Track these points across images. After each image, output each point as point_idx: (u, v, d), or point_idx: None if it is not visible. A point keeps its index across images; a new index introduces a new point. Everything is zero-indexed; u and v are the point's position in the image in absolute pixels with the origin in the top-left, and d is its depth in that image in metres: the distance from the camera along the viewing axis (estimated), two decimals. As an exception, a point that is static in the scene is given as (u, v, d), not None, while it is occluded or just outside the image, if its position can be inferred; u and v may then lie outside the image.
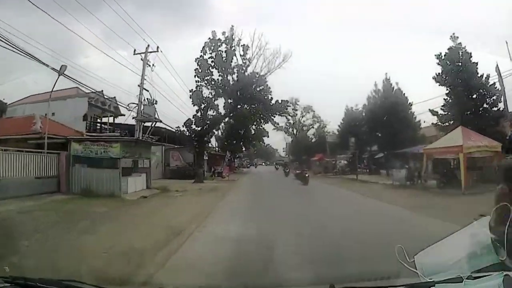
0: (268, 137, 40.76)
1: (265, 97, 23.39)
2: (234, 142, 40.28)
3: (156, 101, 18.18)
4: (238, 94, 22.07)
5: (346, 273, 3.73)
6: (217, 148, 41.55)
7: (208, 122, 20.52)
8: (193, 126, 20.59)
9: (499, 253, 1.62)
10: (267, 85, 23.04)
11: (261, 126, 33.87)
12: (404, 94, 26.38)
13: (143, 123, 18.28)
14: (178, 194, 13.59)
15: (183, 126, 20.57)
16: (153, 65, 19.83)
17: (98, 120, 26.56)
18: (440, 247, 1.77)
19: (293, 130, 50.82)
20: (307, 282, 3.61)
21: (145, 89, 18.89)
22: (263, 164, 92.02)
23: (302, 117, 50.16)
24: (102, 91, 20.96)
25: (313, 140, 48.11)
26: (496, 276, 1.39)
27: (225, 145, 40.15)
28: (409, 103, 26.49)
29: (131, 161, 15.77)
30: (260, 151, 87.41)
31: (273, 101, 23.55)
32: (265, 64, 22.77)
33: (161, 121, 18.73)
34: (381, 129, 25.45)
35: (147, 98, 18.02)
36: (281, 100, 24.21)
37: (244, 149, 46.71)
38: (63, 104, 23.08)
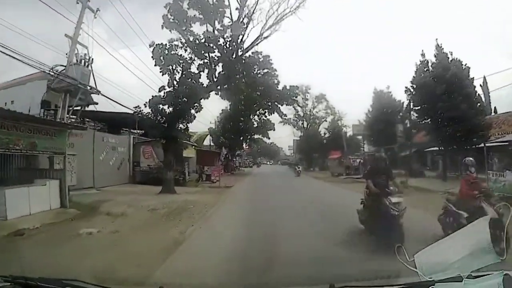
0: (274, 130, 33.42)
1: (270, 81, 18.26)
2: (232, 136, 33.04)
3: (92, 59, 10.95)
4: (232, 60, 14.80)
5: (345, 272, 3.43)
6: (212, 145, 34.54)
7: (182, 97, 12.80)
8: (161, 106, 13.05)
9: (499, 253, 1.55)
10: (273, 67, 17.83)
11: (265, 116, 27.64)
12: (466, 65, 18.82)
13: (71, 96, 10.99)
14: (90, 230, 6.26)
15: (145, 106, 13.06)
16: (97, 10, 12.63)
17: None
18: (440, 247, 1.65)
19: (303, 123, 43.44)
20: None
21: (80, 43, 11.68)
22: (267, 163, 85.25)
23: (314, 108, 42.94)
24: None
25: (326, 135, 40.70)
26: (496, 275, 1.36)
27: (220, 141, 32.92)
28: (471, 78, 19.02)
29: (42, 159, 9.58)
30: (264, 150, 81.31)
31: (280, 86, 18.36)
32: (271, 12, 15.64)
33: (99, 92, 11.43)
34: (439, 113, 17.69)
35: (75, 54, 10.82)
36: (290, 86, 18.80)
37: (244, 145, 39.38)
38: (23, 89, 17.68)
